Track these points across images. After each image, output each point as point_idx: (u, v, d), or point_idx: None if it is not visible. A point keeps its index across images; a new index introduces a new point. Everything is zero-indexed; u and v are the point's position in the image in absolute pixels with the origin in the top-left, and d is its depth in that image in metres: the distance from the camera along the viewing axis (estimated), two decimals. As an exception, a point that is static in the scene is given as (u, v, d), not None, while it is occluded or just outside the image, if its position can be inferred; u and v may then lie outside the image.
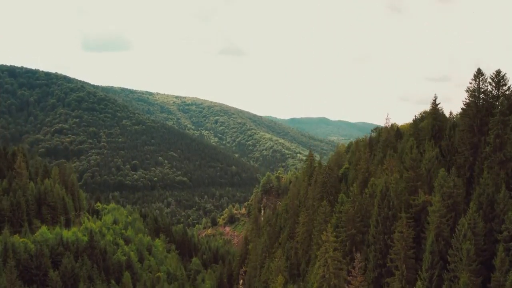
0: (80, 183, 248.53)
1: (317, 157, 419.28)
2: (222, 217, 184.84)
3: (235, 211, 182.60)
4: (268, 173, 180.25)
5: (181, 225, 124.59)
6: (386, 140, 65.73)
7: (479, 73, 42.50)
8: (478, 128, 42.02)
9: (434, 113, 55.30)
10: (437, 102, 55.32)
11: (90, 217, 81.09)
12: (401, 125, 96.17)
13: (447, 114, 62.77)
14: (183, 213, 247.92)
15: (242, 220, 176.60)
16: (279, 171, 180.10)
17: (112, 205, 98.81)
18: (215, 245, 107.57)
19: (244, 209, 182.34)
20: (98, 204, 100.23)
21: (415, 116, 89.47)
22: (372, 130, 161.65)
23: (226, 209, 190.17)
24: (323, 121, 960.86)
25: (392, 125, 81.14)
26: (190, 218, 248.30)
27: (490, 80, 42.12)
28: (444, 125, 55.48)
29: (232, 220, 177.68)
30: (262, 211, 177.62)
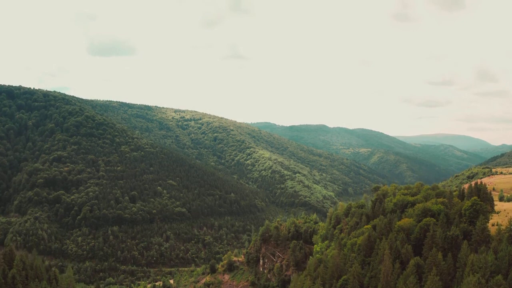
0: (79, 216, 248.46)
1: (316, 176, 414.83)
2: (221, 263, 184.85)
3: (234, 258, 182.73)
4: (266, 221, 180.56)
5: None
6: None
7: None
8: None
9: None
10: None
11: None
12: (403, 221, 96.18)
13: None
14: (182, 247, 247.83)
15: (241, 269, 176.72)
16: (278, 219, 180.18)
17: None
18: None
19: (243, 256, 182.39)
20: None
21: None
22: (372, 189, 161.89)
23: (225, 255, 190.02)
24: (322, 128, 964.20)
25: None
26: (189, 252, 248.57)
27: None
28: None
29: (231, 268, 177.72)
30: (261, 261, 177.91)
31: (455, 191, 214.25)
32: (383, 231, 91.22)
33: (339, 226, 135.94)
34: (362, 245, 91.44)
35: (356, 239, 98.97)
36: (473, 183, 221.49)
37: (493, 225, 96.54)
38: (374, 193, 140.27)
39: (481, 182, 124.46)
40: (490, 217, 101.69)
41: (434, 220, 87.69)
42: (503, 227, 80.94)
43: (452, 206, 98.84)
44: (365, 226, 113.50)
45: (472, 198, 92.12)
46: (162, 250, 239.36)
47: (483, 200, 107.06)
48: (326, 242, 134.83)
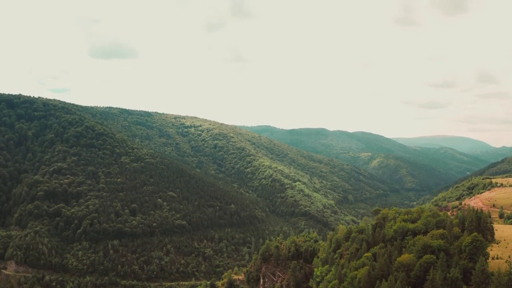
0: (79, 230, 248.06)
1: (316, 184, 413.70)
2: (221, 282, 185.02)
3: (234, 277, 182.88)
4: (267, 241, 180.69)
5: None
6: None
7: None
8: None
9: None
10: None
11: None
12: (403, 257, 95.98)
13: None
14: (182, 261, 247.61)
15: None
16: (278, 238, 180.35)
17: None
18: None
19: (243, 274, 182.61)
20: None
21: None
22: (372, 212, 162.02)
23: (225, 273, 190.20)
24: (322, 132, 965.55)
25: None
26: (190, 266, 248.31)
27: None
28: None
29: (231, 287, 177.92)
30: (261, 280, 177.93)
31: (456, 207, 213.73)
32: (383, 267, 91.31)
33: (339, 250, 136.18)
34: (362, 281, 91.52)
35: (356, 272, 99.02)
36: (472, 202, 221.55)
37: (493, 258, 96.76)
38: (375, 217, 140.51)
39: (481, 210, 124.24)
40: (490, 248, 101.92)
41: (435, 257, 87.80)
42: (503, 267, 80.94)
43: (452, 239, 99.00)
44: (366, 254, 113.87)
45: (472, 234, 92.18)
46: (163, 264, 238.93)
47: (483, 230, 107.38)
48: (326, 266, 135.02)
